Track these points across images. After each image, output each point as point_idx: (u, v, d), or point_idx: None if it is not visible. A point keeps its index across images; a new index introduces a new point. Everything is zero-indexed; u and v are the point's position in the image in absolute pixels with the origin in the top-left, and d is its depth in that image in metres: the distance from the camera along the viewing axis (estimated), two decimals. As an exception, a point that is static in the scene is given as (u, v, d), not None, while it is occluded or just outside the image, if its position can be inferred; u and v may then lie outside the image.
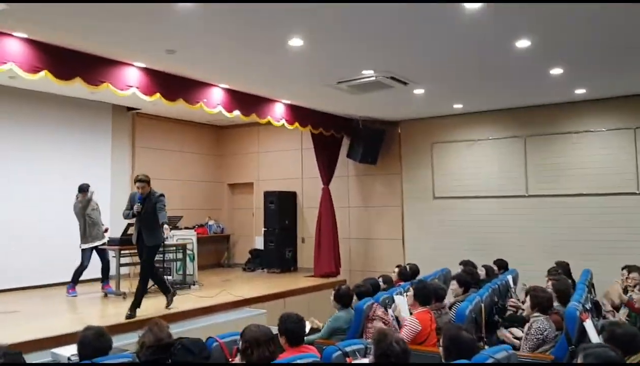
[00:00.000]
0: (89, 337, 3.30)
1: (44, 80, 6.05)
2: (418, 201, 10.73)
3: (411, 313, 5.03)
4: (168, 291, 7.17)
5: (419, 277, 7.12)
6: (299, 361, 3.23)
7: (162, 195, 6.89)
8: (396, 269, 7.59)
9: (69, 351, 4.69)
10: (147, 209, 6.78)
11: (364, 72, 7.23)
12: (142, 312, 6.63)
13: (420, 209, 10.70)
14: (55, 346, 4.71)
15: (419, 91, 8.33)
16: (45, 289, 8.69)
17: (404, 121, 10.95)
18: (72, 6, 4.86)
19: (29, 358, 4.25)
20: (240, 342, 3.29)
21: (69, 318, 6.48)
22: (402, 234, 10.85)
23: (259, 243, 11.97)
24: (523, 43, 6.02)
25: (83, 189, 8.14)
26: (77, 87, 6.59)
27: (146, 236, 6.81)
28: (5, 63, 5.54)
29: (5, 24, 5.37)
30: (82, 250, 8.11)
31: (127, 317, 6.44)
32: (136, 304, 6.64)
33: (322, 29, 5.55)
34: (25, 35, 5.67)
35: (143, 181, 6.81)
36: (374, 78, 7.41)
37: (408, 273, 7.39)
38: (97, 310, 7.38)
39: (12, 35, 5.61)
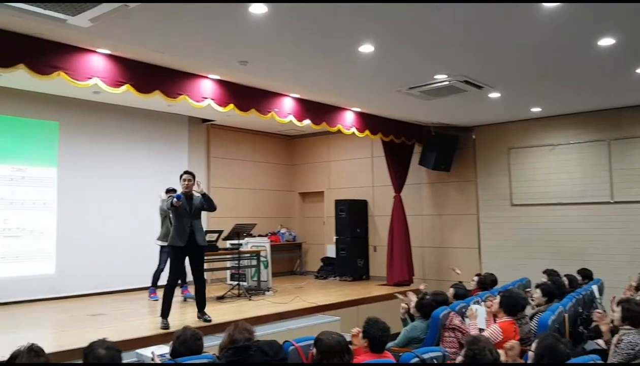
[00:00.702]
0: (187, 337, 3.40)
1: (125, 94, 6.37)
2: (495, 208, 10.40)
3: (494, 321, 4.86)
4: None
5: (497, 287, 6.89)
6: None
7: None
8: (475, 278, 7.40)
9: (159, 350, 4.87)
10: (196, 208, 6.60)
11: (436, 76, 7.11)
12: (221, 316, 6.79)
13: (497, 217, 10.35)
14: (138, 347, 4.90)
15: (494, 95, 8.09)
16: (130, 294, 9.08)
17: (478, 126, 10.67)
18: (151, 22, 5.08)
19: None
20: (314, 349, 3.28)
21: (151, 320, 6.71)
22: (478, 243, 10.53)
23: (330, 251, 12.00)
24: (606, 41, 5.72)
25: (170, 190, 8.37)
26: (156, 100, 6.88)
27: (199, 236, 6.60)
28: (90, 78, 5.87)
29: (90, 41, 5.69)
30: (160, 250, 8.32)
31: (205, 320, 6.54)
32: (203, 305, 6.71)
33: (393, 34, 5.50)
34: (108, 52, 5.99)
35: (191, 174, 6.65)
36: (447, 83, 7.27)
37: (488, 282, 7.17)
38: (176, 314, 7.58)
39: (96, 52, 5.94)
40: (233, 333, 3.42)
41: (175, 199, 6.34)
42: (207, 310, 6.75)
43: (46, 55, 5.57)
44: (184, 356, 3.25)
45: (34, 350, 2.68)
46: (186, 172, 6.67)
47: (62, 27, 5.11)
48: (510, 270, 8.77)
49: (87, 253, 8.89)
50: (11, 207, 8.35)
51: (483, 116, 9.84)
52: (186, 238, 6.45)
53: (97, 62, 5.95)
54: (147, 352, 4.66)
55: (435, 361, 3.39)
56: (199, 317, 6.63)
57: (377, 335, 3.58)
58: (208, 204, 6.68)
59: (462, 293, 6.08)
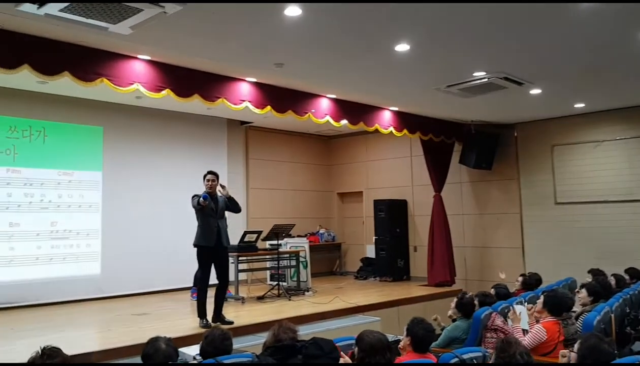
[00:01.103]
0: (215, 337, 3.46)
1: (166, 98, 6.51)
2: (538, 207, 10.16)
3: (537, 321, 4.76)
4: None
5: (542, 287, 6.74)
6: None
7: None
8: (520, 279, 7.27)
9: (194, 351, 4.97)
10: (221, 209, 6.59)
11: (475, 74, 6.99)
12: (261, 316, 6.84)
13: (541, 216, 10.11)
14: (180, 347, 4.99)
15: (535, 91, 7.91)
16: (173, 293, 9.27)
17: (520, 123, 10.44)
18: (189, 28, 5.17)
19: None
20: (356, 348, 3.28)
21: (193, 320, 6.82)
22: (522, 243, 10.31)
23: (370, 252, 11.96)
24: (653, 32, 5.52)
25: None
26: (195, 104, 7.00)
27: (224, 237, 6.58)
28: (132, 84, 6.04)
29: (131, 48, 5.84)
30: None
31: (227, 323, 6.44)
32: (221, 307, 6.62)
33: (429, 32, 5.44)
34: (148, 58, 6.14)
35: (215, 174, 6.60)
36: (486, 79, 7.14)
37: (532, 283, 7.03)
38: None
39: (137, 58, 6.09)
40: (278, 333, 3.48)
41: (202, 199, 6.29)
42: (247, 309, 6.80)
43: (89, 62, 5.76)
44: (213, 356, 3.28)
45: (46, 354, 2.76)
46: (210, 172, 6.62)
47: (104, 35, 5.26)
48: (555, 270, 8.55)
49: (131, 254, 9.13)
50: (59, 210, 8.64)
51: (525, 112, 9.63)
52: (214, 238, 6.42)
53: (138, 68, 6.11)
54: (189, 351, 4.76)
55: (475, 362, 3.34)
56: (214, 321, 6.46)
57: (419, 334, 3.54)
58: (233, 205, 6.67)
59: (503, 293, 5.96)
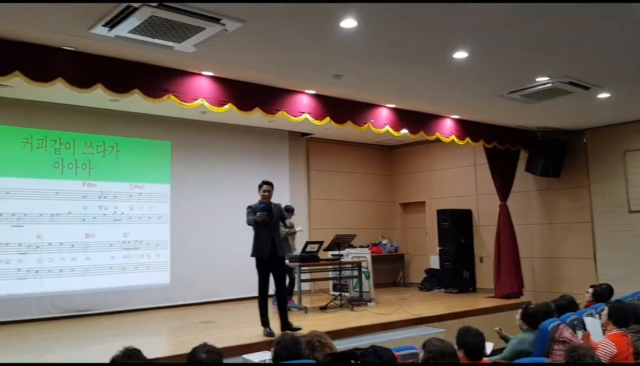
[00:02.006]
0: (286, 342, 3.55)
1: (229, 112, 6.73)
2: (611, 215, 9.70)
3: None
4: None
5: (614, 298, 6.42)
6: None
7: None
8: (590, 290, 6.95)
9: (258, 357, 5.08)
10: (275, 218, 6.57)
11: (538, 79, 6.80)
12: (324, 326, 6.88)
13: (614, 225, 9.64)
14: (245, 353, 5.12)
15: (603, 96, 7.59)
16: (238, 302, 9.49)
17: (589, 129, 10.04)
18: (249, 44, 5.34)
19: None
20: (422, 353, 3.26)
21: (258, 328, 6.94)
22: (594, 253, 9.87)
23: (434, 262, 11.77)
24: None
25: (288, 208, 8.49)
26: (257, 117, 7.18)
27: (279, 246, 6.53)
28: (197, 99, 6.29)
29: (195, 65, 6.08)
30: None
31: (294, 329, 6.43)
32: (286, 318, 6.63)
33: (488, 39, 5.36)
34: (211, 74, 6.38)
35: (271, 184, 6.56)
36: (550, 85, 6.93)
37: (604, 294, 6.70)
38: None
39: (201, 74, 6.35)
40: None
41: (259, 214, 6.34)
42: (310, 319, 6.85)
43: (157, 79, 6.05)
44: (285, 359, 3.39)
45: (126, 355, 2.90)
46: (266, 182, 6.61)
47: (170, 53, 5.52)
48: (629, 281, 8.14)
49: (198, 264, 9.44)
50: (130, 221, 9.07)
51: (593, 117, 9.25)
52: (268, 250, 6.41)
53: (202, 84, 6.36)
54: (252, 357, 4.88)
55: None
56: (282, 329, 6.48)
57: (470, 342, 3.51)
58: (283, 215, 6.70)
59: (564, 305, 5.62)
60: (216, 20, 4.70)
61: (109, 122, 8.82)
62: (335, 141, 11.81)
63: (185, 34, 4.99)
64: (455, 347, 3.47)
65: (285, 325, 6.59)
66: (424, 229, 12.51)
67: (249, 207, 6.58)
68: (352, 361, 3.28)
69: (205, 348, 3.05)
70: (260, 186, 6.63)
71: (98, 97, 6.48)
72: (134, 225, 9.10)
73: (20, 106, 8.03)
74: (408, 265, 12.83)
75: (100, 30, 4.90)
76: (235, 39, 5.16)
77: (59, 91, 5.96)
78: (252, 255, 6.58)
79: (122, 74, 5.84)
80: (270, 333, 6.35)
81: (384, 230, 12.73)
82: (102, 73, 5.70)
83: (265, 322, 6.52)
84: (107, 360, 2.92)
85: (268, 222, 6.46)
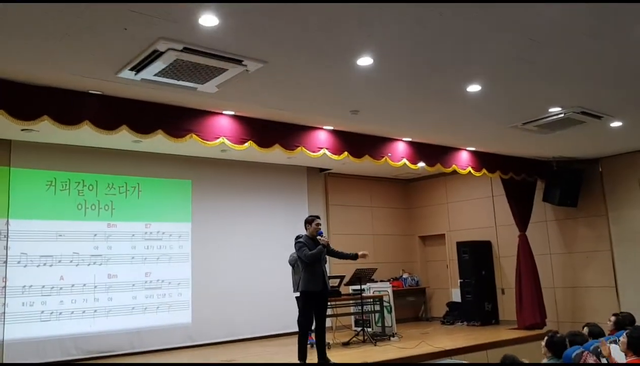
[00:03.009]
0: None
1: (249, 150, 6.90)
2: (630, 243, 9.63)
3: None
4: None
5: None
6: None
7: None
8: (612, 318, 6.88)
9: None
10: (325, 253, 6.71)
11: (550, 109, 6.90)
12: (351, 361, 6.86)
13: (634, 253, 9.56)
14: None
15: (616, 124, 7.66)
16: (260, 341, 9.49)
17: (605, 158, 10.07)
18: (269, 83, 5.53)
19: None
20: None
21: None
22: (615, 281, 9.76)
23: (455, 295, 11.68)
24: None
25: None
26: (276, 154, 7.34)
27: (327, 280, 6.66)
28: (218, 138, 6.46)
29: (217, 105, 6.28)
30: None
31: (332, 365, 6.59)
32: (324, 353, 6.69)
33: (499, 71, 5.49)
34: (232, 113, 6.57)
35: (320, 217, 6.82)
36: (562, 115, 7.02)
37: (626, 323, 6.64)
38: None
39: (222, 114, 6.54)
40: None
41: (322, 238, 6.59)
42: (333, 355, 6.86)
43: (179, 120, 6.24)
44: None
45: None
46: (316, 216, 6.89)
47: (193, 94, 5.72)
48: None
49: (220, 302, 9.46)
50: (152, 261, 9.16)
51: (608, 146, 9.29)
52: (321, 283, 6.51)
53: (223, 123, 6.55)
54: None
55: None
56: (320, 364, 6.57)
57: None
58: (338, 253, 6.95)
59: (597, 332, 5.69)
60: (238, 62, 4.90)
61: (130, 163, 9.01)
62: (352, 175, 11.93)
63: (209, 76, 5.19)
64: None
65: (323, 358, 6.62)
66: (443, 262, 12.46)
67: (298, 241, 6.65)
68: None
69: None
70: (311, 221, 6.75)
71: (120, 138, 6.69)
72: (156, 264, 9.18)
73: (45, 149, 8.24)
74: (430, 299, 12.73)
75: (127, 74, 5.11)
76: (256, 78, 5.34)
77: (83, 134, 6.18)
78: (302, 290, 6.61)
79: (146, 116, 6.04)
80: None
81: (404, 264, 12.70)
82: (127, 115, 5.90)
83: (303, 356, 6.53)
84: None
85: (324, 249, 6.61)
